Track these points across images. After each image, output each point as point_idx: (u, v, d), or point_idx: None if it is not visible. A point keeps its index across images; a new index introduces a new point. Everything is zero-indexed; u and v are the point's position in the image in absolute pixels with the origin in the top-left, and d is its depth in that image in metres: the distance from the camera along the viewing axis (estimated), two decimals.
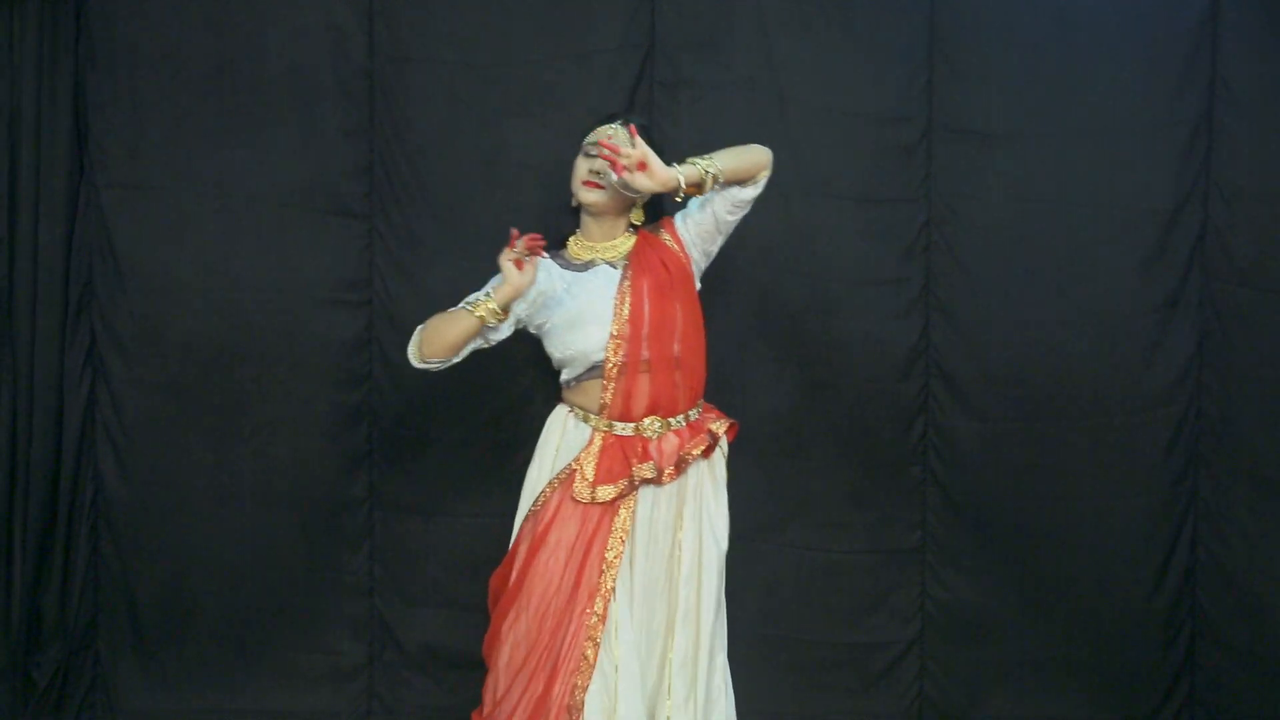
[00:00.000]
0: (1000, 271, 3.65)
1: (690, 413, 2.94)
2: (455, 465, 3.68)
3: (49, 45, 3.54)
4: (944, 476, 3.70)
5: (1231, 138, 3.60)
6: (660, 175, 2.76)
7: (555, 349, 2.93)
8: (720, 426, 2.97)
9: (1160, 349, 3.65)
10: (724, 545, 2.96)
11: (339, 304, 3.65)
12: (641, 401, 2.87)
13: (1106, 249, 3.63)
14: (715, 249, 3.01)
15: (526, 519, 2.93)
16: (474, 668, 3.27)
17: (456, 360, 2.90)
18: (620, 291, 2.88)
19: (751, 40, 3.60)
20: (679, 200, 2.89)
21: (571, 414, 2.96)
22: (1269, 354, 3.61)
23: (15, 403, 3.57)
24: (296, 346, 3.65)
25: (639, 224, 2.99)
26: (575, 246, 3.00)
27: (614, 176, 2.77)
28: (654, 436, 2.89)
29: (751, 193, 2.91)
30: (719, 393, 3.06)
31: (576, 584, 2.83)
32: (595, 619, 2.81)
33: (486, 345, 2.92)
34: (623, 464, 2.85)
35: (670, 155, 2.87)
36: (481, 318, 2.82)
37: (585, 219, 2.99)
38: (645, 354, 2.86)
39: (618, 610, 2.83)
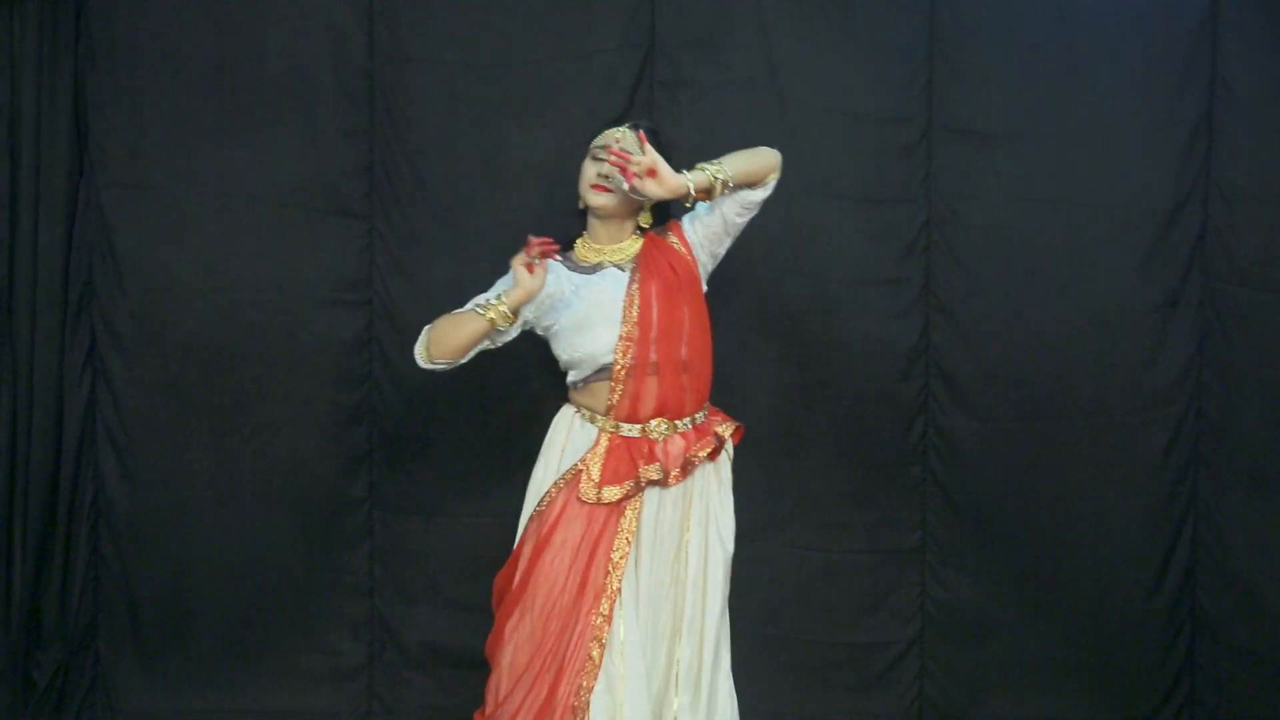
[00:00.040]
0: (1000, 271, 3.65)
1: (696, 415, 2.94)
2: (455, 465, 3.68)
3: (49, 45, 3.54)
4: (944, 476, 3.70)
5: (1231, 138, 3.60)
6: (670, 183, 2.77)
7: (563, 351, 2.93)
8: (726, 429, 2.98)
9: (1160, 349, 3.65)
10: (730, 548, 2.96)
11: (339, 304, 3.66)
12: (649, 404, 2.87)
13: (1106, 249, 3.63)
14: (723, 251, 3.01)
15: (531, 519, 2.92)
16: (474, 667, 3.27)
17: (463, 361, 2.90)
18: (629, 294, 2.88)
19: (751, 40, 3.60)
20: (688, 206, 2.89)
21: (578, 415, 2.96)
22: (1269, 354, 3.61)
23: (15, 403, 3.57)
24: (296, 346, 3.65)
25: (647, 227, 2.99)
26: (583, 249, 3.00)
27: (625, 186, 2.78)
28: (660, 438, 2.89)
29: (761, 195, 2.92)
30: (719, 393, 3.05)
31: (582, 585, 2.82)
32: (600, 620, 2.81)
33: (493, 346, 2.92)
34: (629, 465, 2.85)
35: (671, 155, 2.88)
36: (492, 320, 2.81)
37: (592, 222, 2.99)
38: (653, 357, 2.86)
39: (623, 611, 2.82)
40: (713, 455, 2.93)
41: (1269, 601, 3.63)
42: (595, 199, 2.92)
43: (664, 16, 3.60)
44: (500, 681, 2.91)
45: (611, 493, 2.84)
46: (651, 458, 2.86)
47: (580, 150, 3.48)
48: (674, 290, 2.89)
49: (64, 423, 3.63)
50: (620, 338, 2.85)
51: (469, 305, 2.89)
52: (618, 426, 2.89)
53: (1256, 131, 3.59)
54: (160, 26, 3.58)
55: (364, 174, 3.63)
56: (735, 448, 3.02)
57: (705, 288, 3.00)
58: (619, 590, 2.83)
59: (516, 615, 2.89)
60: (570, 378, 2.97)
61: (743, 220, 2.95)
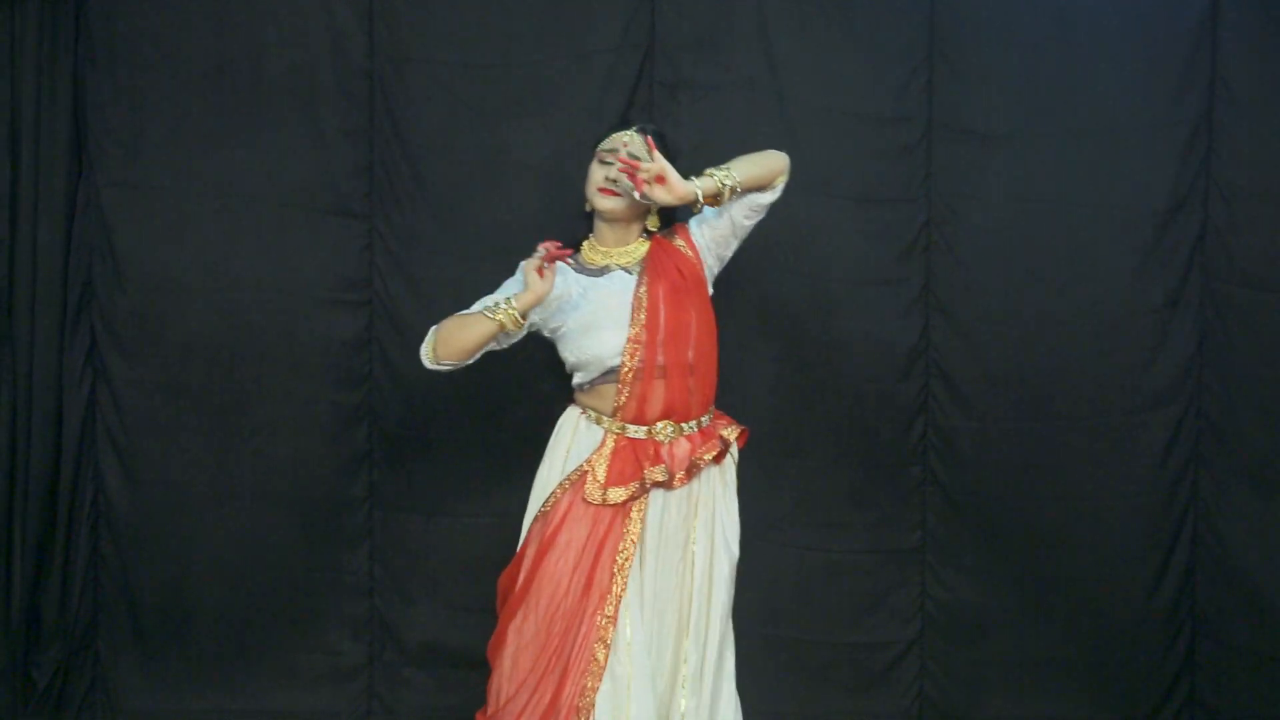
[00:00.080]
0: (1000, 271, 3.65)
1: (702, 418, 2.94)
2: (455, 465, 3.68)
3: (49, 45, 3.54)
4: (944, 476, 3.70)
5: (1231, 138, 3.59)
6: (678, 190, 2.78)
7: (570, 353, 2.93)
8: (731, 433, 2.98)
9: (1160, 349, 3.65)
10: (735, 551, 2.96)
11: (339, 304, 3.66)
12: (656, 406, 2.87)
13: (1106, 249, 3.63)
14: (729, 254, 3.01)
15: (536, 520, 2.92)
16: (474, 667, 3.27)
17: (469, 363, 2.90)
18: (636, 297, 2.88)
19: (751, 40, 3.60)
20: (696, 210, 2.90)
21: (584, 416, 2.96)
22: (1269, 354, 3.61)
23: (15, 403, 3.56)
24: (296, 346, 3.65)
25: (654, 230, 2.99)
26: (589, 251, 2.99)
27: (636, 195, 2.78)
28: (666, 441, 2.89)
29: (770, 198, 2.93)
30: (719, 393, 3.05)
31: (587, 586, 2.82)
32: (605, 621, 2.81)
33: (499, 348, 2.92)
34: (634, 466, 2.85)
35: (676, 158, 2.88)
36: (501, 323, 2.81)
37: (599, 224, 2.98)
38: (660, 359, 2.86)
39: (629, 613, 2.82)
40: (718, 459, 2.93)
41: (1269, 601, 3.63)
42: (603, 203, 2.92)
43: (664, 16, 3.60)
44: (503, 683, 2.91)
45: (617, 494, 2.84)
46: (657, 460, 2.86)
47: (580, 150, 3.49)
48: (681, 293, 2.89)
49: (64, 423, 3.63)
50: (628, 340, 2.85)
51: (477, 307, 2.89)
52: (624, 428, 2.89)
53: (1256, 131, 3.59)
54: (160, 26, 3.58)
55: (364, 174, 3.63)
56: (744, 453, 3.03)
57: (711, 291, 3.00)
58: (624, 591, 2.82)
59: (520, 616, 2.89)
60: (576, 379, 2.96)
61: (751, 223, 2.96)
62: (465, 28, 3.60)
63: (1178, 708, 3.74)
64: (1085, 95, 3.61)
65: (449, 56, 3.60)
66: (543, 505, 2.91)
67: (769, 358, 3.67)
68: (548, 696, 2.81)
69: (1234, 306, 3.63)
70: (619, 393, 2.87)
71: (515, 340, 2.92)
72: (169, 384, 3.64)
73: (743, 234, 2.98)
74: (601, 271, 2.95)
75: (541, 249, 2.81)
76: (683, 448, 2.90)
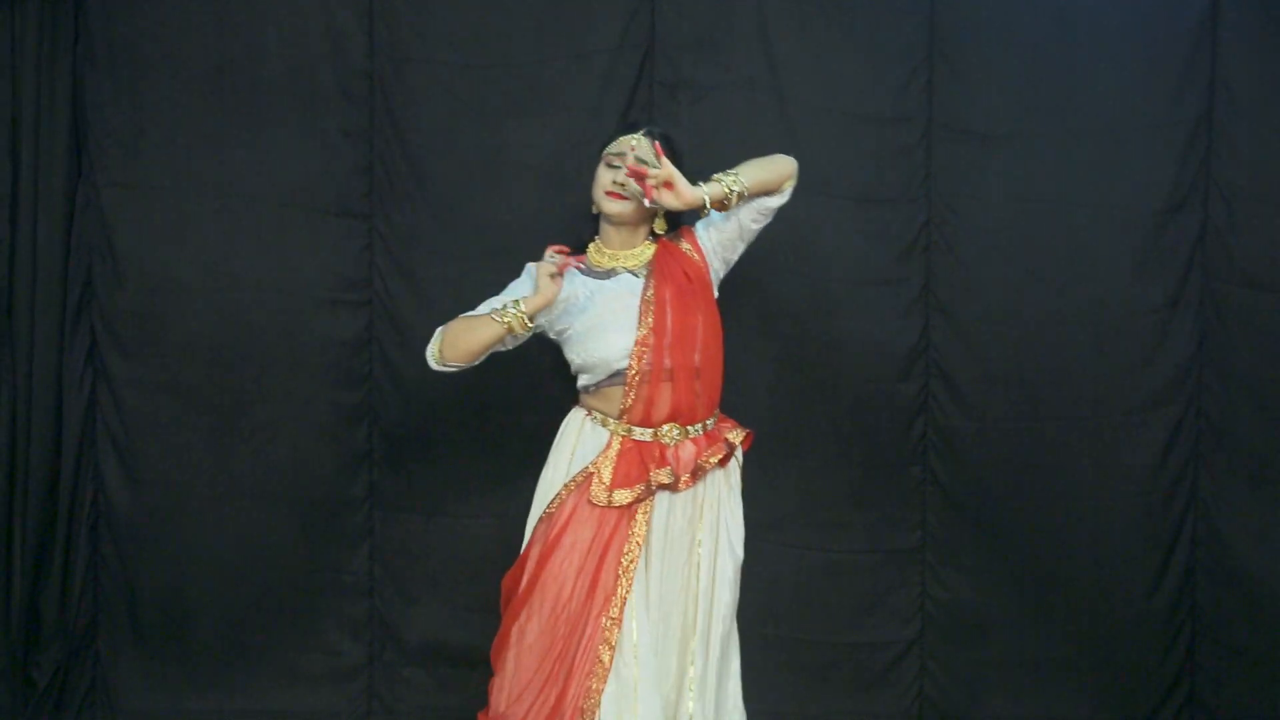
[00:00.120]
0: (1000, 271, 3.65)
1: (707, 421, 2.94)
2: (455, 465, 3.68)
3: (49, 45, 3.54)
4: (944, 476, 3.70)
5: (1231, 138, 3.60)
6: (686, 195, 2.79)
7: (576, 355, 2.92)
8: (737, 436, 2.98)
9: (1160, 349, 3.65)
10: (740, 554, 2.96)
11: (339, 304, 3.66)
12: (662, 409, 2.87)
13: (1106, 249, 3.64)
14: (735, 257, 3.01)
15: (540, 521, 2.91)
16: (474, 667, 3.28)
17: (475, 364, 2.90)
18: (644, 300, 2.88)
19: (751, 40, 3.60)
20: (703, 215, 2.89)
21: (589, 418, 2.95)
22: (1269, 354, 3.61)
23: (15, 403, 3.56)
24: (296, 346, 3.65)
25: (662, 233, 2.99)
26: (595, 254, 2.99)
27: (646, 202, 2.79)
28: (672, 443, 2.89)
29: (778, 202, 2.94)
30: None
31: (592, 587, 2.82)
32: (610, 623, 2.80)
33: (505, 349, 2.92)
34: (640, 468, 2.85)
35: (682, 161, 2.88)
36: (509, 326, 2.80)
37: (605, 227, 2.98)
38: (668, 362, 2.86)
39: (635, 615, 2.82)
40: (723, 462, 2.93)
41: (1269, 601, 3.63)
42: (611, 206, 2.92)
43: (664, 16, 3.60)
44: (507, 684, 2.90)
45: (623, 496, 2.83)
46: (663, 462, 2.86)
47: (580, 150, 3.50)
48: (688, 296, 2.89)
49: (64, 423, 3.63)
50: (635, 343, 2.85)
51: (483, 309, 2.88)
52: (630, 430, 2.89)
53: (1256, 131, 3.59)
54: (160, 26, 3.58)
55: (364, 174, 3.63)
56: (746, 455, 3.03)
57: (716, 294, 3.00)
58: (629, 594, 2.82)
59: (524, 617, 2.88)
60: (582, 381, 2.96)
61: (758, 227, 2.96)
62: (465, 28, 3.60)
63: (1178, 708, 3.74)
64: (1085, 95, 3.61)
65: (449, 56, 3.60)
66: (547, 506, 2.90)
67: (769, 358, 3.67)
68: (552, 699, 2.80)
69: (1234, 306, 3.63)
70: (625, 395, 2.87)
71: (521, 342, 2.91)
72: (169, 384, 3.64)
73: (749, 238, 2.98)
74: (608, 274, 2.94)
75: (556, 255, 2.80)
76: (688, 450, 2.90)
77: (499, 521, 3.61)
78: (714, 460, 2.90)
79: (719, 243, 2.97)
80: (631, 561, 2.82)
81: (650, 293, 2.88)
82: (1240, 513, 3.66)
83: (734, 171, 2.84)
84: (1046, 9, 3.60)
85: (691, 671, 2.88)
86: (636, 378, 2.85)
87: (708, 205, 2.81)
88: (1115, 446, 3.67)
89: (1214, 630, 3.70)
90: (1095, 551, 3.68)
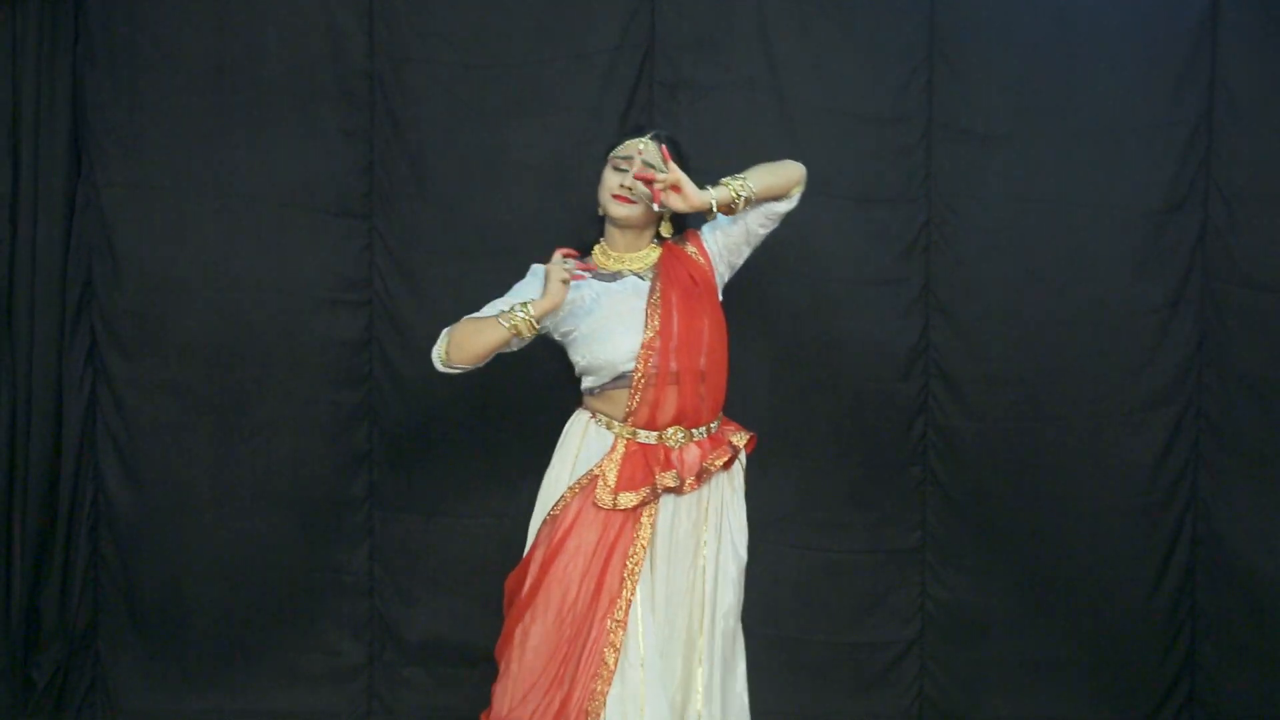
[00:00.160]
0: (1000, 271, 3.65)
1: (711, 424, 2.94)
2: (455, 465, 3.68)
3: (49, 45, 3.54)
4: (944, 476, 3.70)
5: (1231, 138, 3.60)
6: (694, 199, 2.79)
7: (581, 357, 2.92)
8: (741, 439, 2.98)
9: (1160, 349, 3.65)
10: (744, 556, 2.96)
11: (339, 304, 3.66)
12: (668, 412, 2.87)
13: (1106, 249, 3.64)
14: (740, 261, 3.01)
15: (544, 523, 2.90)
16: (474, 667, 3.28)
17: (480, 366, 2.89)
18: (650, 303, 2.87)
19: (751, 40, 3.60)
20: (710, 219, 2.89)
21: (593, 420, 2.94)
22: (1269, 354, 3.61)
23: (15, 403, 3.57)
24: (296, 346, 3.65)
25: (668, 237, 2.98)
26: (601, 256, 2.98)
27: (655, 206, 2.79)
28: (676, 446, 2.89)
29: (785, 207, 2.94)
30: None
31: (597, 590, 2.81)
32: (615, 625, 2.79)
33: (509, 350, 2.92)
34: (645, 471, 2.84)
35: (688, 164, 2.87)
36: (516, 329, 2.79)
37: (611, 230, 2.97)
38: (673, 366, 2.85)
39: (639, 617, 2.82)
40: (727, 465, 2.93)
41: (1269, 601, 3.63)
42: (618, 209, 2.91)
43: (664, 16, 3.60)
44: (511, 686, 2.89)
45: (628, 499, 2.83)
46: (668, 465, 2.85)
47: (580, 150, 3.50)
48: (694, 300, 2.89)
49: (64, 423, 3.63)
50: (641, 346, 2.85)
51: (489, 310, 2.86)
52: (635, 433, 2.88)
53: (1256, 132, 3.59)
54: (160, 26, 3.58)
55: (364, 174, 3.63)
56: (747, 457, 3.03)
57: (721, 298, 3.00)
58: (634, 596, 2.82)
59: (528, 619, 2.87)
60: (586, 384, 2.95)
61: (765, 231, 2.96)
62: (465, 28, 3.60)
63: (1178, 708, 3.74)
64: (1085, 95, 3.61)
65: (449, 56, 3.60)
66: (551, 509, 2.89)
67: (769, 358, 3.66)
68: (557, 702, 2.79)
69: (1234, 306, 3.63)
70: (631, 398, 2.86)
71: (526, 343, 2.91)
72: (169, 384, 3.64)
73: (756, 242, 2.98)
74: (614, 277, 2.94)
75: (569, 261, 2.80)
76: (693, 453, 2.89)
77: (499, 521, 3.61)
78: (719, 463, 2.90)
79: (725, 246, 2.97)
80: (636, 564, 2.82)
81: (656, 296, 2.88)
82: (1240, 513, 3.66)
83: (742, 176, 2.84)
84: (1046, 9, 3.60)
85: (700, 673, 2.88)
86: (642, 381, 2.85)
87: (715, 209, 2.81)
88: (1115, 447, 3.66)
89: (1214, 630, 3.70)
90: (1095, 551, 3.68)
